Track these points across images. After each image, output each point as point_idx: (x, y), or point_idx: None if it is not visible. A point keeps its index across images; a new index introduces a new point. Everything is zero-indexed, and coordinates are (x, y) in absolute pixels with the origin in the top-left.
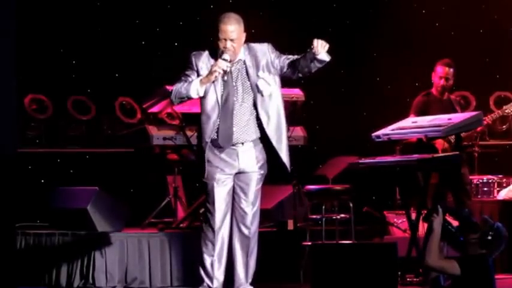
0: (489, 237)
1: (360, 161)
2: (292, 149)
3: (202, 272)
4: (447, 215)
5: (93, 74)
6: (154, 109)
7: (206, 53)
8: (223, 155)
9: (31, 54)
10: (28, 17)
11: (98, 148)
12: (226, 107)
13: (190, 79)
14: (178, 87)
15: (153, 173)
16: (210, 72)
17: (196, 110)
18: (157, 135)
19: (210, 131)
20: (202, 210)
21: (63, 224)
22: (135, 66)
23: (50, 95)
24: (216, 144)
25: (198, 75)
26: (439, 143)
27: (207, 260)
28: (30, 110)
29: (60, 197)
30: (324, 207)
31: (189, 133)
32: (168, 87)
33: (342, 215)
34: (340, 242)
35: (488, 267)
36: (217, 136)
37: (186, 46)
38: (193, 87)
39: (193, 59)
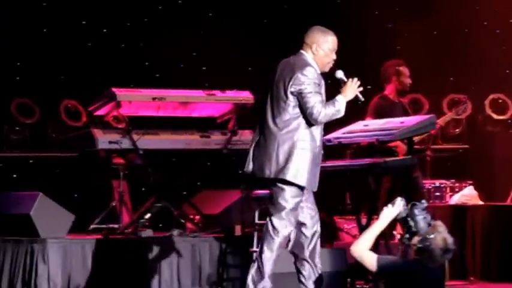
0: (423, 245)
1: None
2: (241, 152)
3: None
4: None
5: (37, 76)
6: (100, 112)
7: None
8: None
9: None
10: None
11: (42, 152)
12: None
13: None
14: (331, 110)
15: (98, 177)
16: (353, 91)
17: (143, 113)
18: (103, 138)
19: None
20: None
21: (5, 229)
22: (80, 68)
23: None
24: None
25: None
26: (401, 147)
27: (269, 261)
28: None
29: (2, 202)
30: None
31: (135, 137)
32: (114, 90)
33: None
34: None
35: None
36: None
37: (133, 48)
38: (343, 107)
39: (317, 76)
